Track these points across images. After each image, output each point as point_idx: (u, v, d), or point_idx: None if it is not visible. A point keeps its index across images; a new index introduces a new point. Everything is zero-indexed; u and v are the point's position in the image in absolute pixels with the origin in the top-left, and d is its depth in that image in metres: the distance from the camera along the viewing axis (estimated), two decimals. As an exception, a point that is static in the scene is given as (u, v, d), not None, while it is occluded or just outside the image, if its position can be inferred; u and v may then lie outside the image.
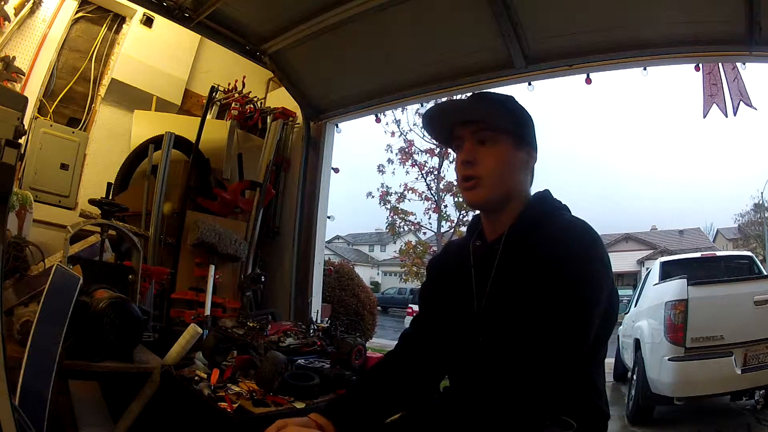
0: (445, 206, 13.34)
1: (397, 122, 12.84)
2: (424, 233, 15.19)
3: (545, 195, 1.07)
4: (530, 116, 1.07)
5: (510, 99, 1.07)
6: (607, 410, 0.99)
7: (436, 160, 12.97)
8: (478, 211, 1.10)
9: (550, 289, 0.88)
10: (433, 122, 1.07)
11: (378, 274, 30.41)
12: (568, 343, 0.87)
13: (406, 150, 12.96)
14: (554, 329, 0.86)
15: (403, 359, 1.12)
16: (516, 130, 1.01)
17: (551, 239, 0.92)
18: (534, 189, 1.07)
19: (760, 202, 19.43)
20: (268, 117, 3.36)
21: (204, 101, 3.42)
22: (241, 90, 3.43)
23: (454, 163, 1.05)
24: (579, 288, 0.88)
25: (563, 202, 1.06)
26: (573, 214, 1.04)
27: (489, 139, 0.99)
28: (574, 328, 0.87)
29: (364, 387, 1.11)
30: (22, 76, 2.92)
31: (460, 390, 1.05)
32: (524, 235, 0.97)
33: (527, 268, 0.92)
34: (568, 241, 0.91)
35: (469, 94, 1.15)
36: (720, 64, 2.90)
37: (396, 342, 1.20)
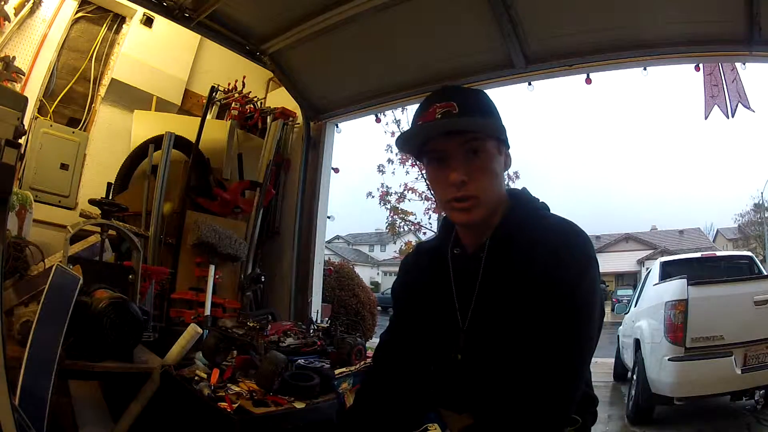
0: (446, 206, 13.33)
1: (397, 122, 12.81)
2: (424, 233, 15.19)
3: (523, 195, 1.00)
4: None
5: (485, 94, 0.98)
6: (593, 398, 0.99)
7: (436, 159, 12.97)
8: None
9: (551, 299, 0.84)
10: (414, 139, 0.94)
11: (378, 274, 30.41)
12: (581, 351, 0.85)
13: (406, 150, 12.92)
14: (565, 339, 0.83)
15: (388, 376, 1.07)
16: (500, 135, 0.94)
17: (539, 245, 0.87)
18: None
19: (760, 202, 19.48)
20: (268, 117, 3.36)
21: (204, 101, 3.42)
22: (241, 90, 3.43)
23: (433, 178, 0.94)
24: (580, 296, 0.85)
25: (541, 201, 1.01)
26: (553, 212, 0.99)
27: (479, 148, 0.89)
28: (584, 335, 0.85)
29: (359, 413, 1.08)
30: (22, 76, 2.91)
31: (445, 404, 1.00)
32: (508, 243, 0.93)
33: (516, 278, 0.88)
34: (560, 247, 0.87)
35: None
36: (720, 65, 2.90)
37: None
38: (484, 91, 1.02)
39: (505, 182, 1.02)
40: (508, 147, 0.97)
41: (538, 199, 1.01)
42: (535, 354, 0.83)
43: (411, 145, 0.96)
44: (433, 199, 13.35)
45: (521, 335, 0.85)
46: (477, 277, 0.93)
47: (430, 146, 0.92)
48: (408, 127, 1.00)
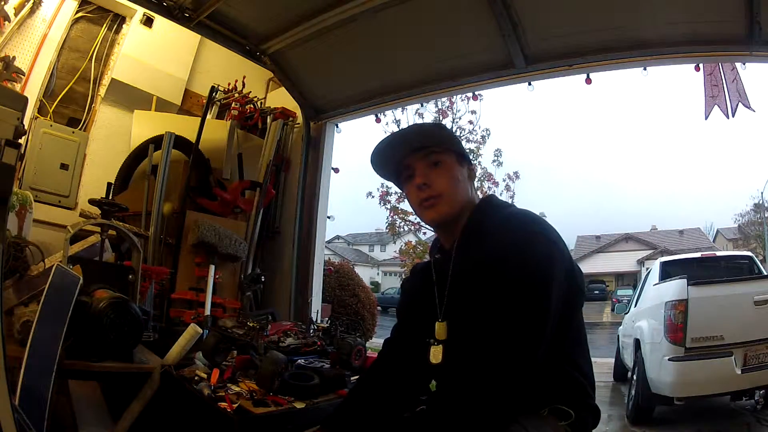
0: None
1: (397, 122, 12.78)
2: (424, 233, 15.15)
3: (489, 198, 1.13)
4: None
5: (443, 125, 1.18)
6: (588, 388, 1.00)
7: (435, 160, 13.03)
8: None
9: (500, 281, 0.91)
10: (384, 156, 1.11)
11: (378, 274, 30.42)
12: (529, 327, 0.89)
13: (406, 150, 12.94)
14: (512, 317, 0.89)
15: (388, 369, 1.19)
16: (457, 149, 1.11)
17: (492, 235, 0.98)
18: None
19: (760, 202, 19.46)
20: (268, 117, 3.36)
21: (204, 101, 3.42)
22: (241, 90, 3.43)
23: (407, 191, 1.11)
24: (526, 270, 0.91)
25: (508, 201, 1.11)
26: (519, 208, 1.09)
27: (440, 160, 1.06)
28: (531, 310, 0.89)
29: (357, 399, 1.18)
30: (22, 76, 2.91)
31: (440, 392, 1.10)
32: (472, 239, 1.04)
33: (477, 269, 0.97)
34: (506, 231, 0.97)
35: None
36: (720, 65, 2.90)
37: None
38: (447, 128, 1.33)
39: (475, 183, 1.16)
40: (470, 162, 1.14)
41: (504, 201, 1.15)
42: (485, 335, 0.90)
43: (386, 166, 1.13)
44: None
45: (482, 318, 0.92)
46: (449, 272, 1.06)
47: (401, 164, 1.09)
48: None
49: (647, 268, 8.64)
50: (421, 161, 1.06)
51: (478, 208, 1.08)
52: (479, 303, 0.94)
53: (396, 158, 1.10)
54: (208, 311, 2.52)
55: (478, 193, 1.15)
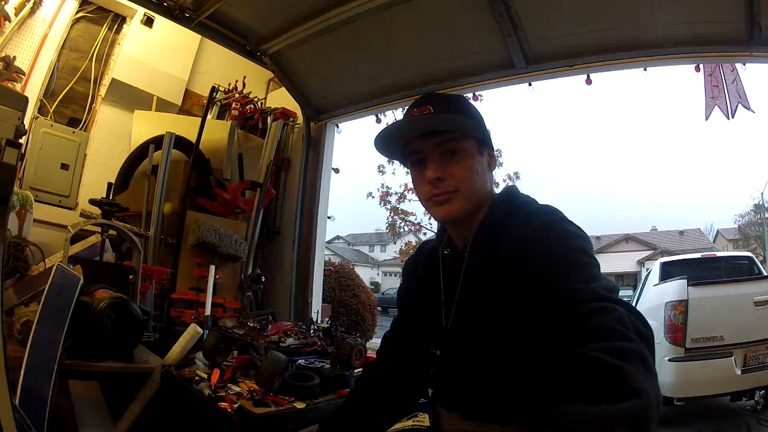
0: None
1: (398, 123, 12.76)
2: (425, 233, 15.19)
3: (510, 191, 0.99)
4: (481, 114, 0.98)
5: (463, 98, 1.02)
6: None
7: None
8: None
9: (530, 275, 0.78)
10: (390, 141, 0.96)
11: (378, 274, 30.42)
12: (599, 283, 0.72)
13: (407, 150, 12.93)
14: (571, 271, 0.74)
15: (387, 369, 1.11)
16: (478, 134, 0.93)
17: (516, 233, 0.84)
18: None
19: (760, 202, 19.49)
20: (269, 117, 3.36)
21: (204, 101, 3.42)
22: (242, 90, 3.43)
23: (414, 179, 0.95)
24: (574, 246, 0.78)
25: (530, 196, 0.97)
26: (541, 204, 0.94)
27: (456, 149, 0.90)
28: (586, 262, 0.76)
29: (354, 402, 1.12)
30: (23, 76, 2.92)
31: (440, 400, 1.01)
32: (491, 237, 0.91)
33: (498, 270, 0.85)
34: (534, 228, 0.82)
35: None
36: (720, 66, 2.90)
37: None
38: (464, 95, 1.06)
39: (494, 181, 1.02)
40: (492, 147, 0.97)
41: (527, 195, 0.98)
42: (561, 302, 0.71)
43: (391, 147, 0.98)
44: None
45: (504, 329, 0.84)
46: (460, 276, 0.94)
47: (409, 148, 0.94)
48: None
49: (647, 269, 8.64)
50: (435, 149, 0.90)
51: (498, 201, 0.95)
52: (497, 306, 0.85)
53: (403, 141, 0.94)
54: (208, 311, 2.52)
55: None
